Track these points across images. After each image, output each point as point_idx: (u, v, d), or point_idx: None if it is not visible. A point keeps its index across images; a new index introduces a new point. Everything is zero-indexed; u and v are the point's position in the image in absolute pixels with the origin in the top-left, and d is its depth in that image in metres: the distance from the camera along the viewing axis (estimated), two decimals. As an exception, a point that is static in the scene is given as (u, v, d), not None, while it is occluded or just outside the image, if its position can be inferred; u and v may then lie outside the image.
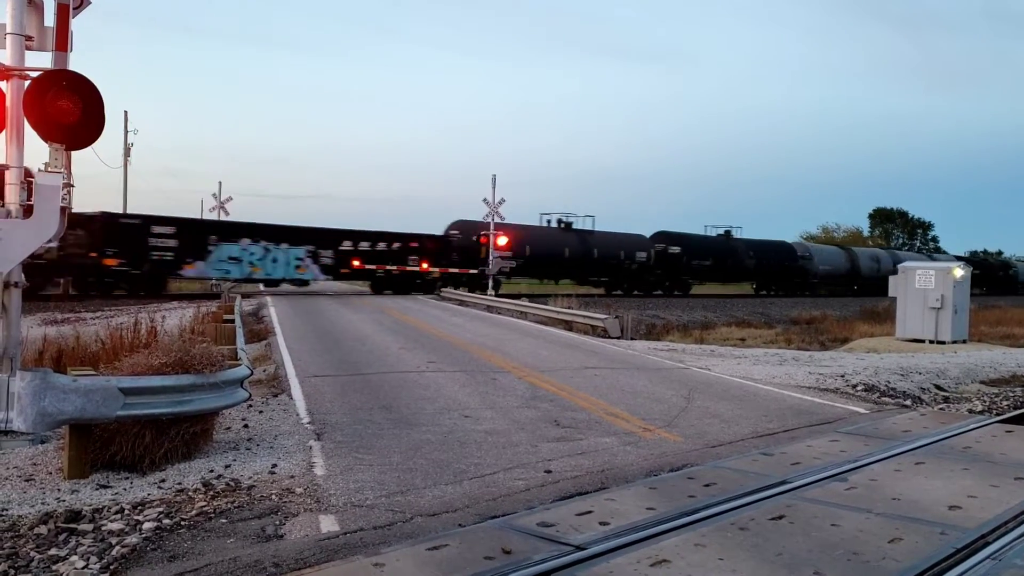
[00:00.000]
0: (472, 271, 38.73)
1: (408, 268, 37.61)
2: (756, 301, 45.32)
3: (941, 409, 11.22)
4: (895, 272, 56.03)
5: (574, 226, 44.72)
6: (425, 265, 37.96)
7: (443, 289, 36.14)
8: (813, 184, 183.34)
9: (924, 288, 21.73)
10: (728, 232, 52.91)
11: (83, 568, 4.72)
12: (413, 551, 4.86)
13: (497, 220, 37.47)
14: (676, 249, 47.59)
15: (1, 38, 6.66)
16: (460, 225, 40.39)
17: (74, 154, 6.89)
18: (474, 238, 38.91)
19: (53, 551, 5.00)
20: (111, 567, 4.77)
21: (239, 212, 52.63)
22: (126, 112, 48.66)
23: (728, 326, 30.28)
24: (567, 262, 42.63)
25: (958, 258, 67.16)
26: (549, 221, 44.76)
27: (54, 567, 4.75)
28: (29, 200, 6.65)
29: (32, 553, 4.96)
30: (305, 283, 36.08)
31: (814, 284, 55.63)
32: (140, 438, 6.75)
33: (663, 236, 48.06)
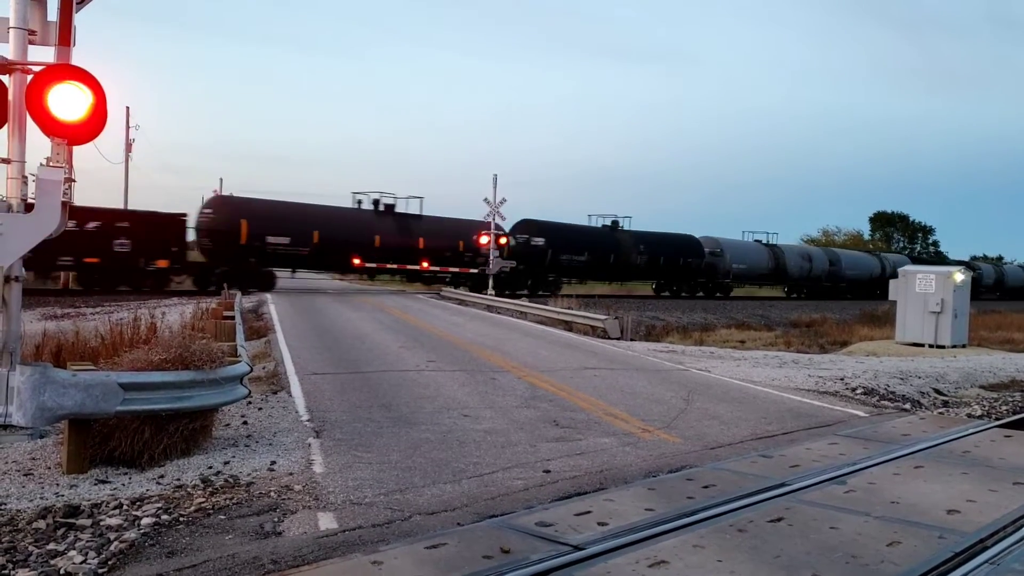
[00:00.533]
0: (238, 268, 30.46)
1: (118, 256, 29.01)
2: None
3: (940, 413, 11.21)
4: (830, 273, 52.64)
5: (397, 209, 37.01)
6: (136, 253, 29.23)
7: (443, 288, 35.98)
8: (814, 186, 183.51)
9: (924, 292, 21.73)
10: (615, 223, 45.16)
11: (81, 563, 4.72)
12: (411, 549, 4.86)
13: (281, 199, 32.14)
14: (540, 241, 39.84)
15: (4, 32, 6.65)
16: (219, 203, 32.17)
17: (76, 149, 6.88)
18: (241, 221, 31.08)
19: (51, 546, 4.99)
20: (109, 562, 4.77)
21: (238, 209, 52.28)
22: (128, 108, 48.58)
23: (728, 328, 30.27)
24: (378, 252, 35.01)
25: (914, 260, 62.67)
26: (360, 202, 36.69)
27: (52, 562, 4.75)
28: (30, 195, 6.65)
29: (30, 547, 4.95)
30: None
31: (727, 284, 49.08)
32: (139, 434, 6.75)
33: (525, 225, 40.46)
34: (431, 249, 36.71)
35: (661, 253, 45.45)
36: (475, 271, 37.82)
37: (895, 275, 61.20)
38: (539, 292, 38.42)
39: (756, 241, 53.37)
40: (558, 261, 40.58)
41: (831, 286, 55.91)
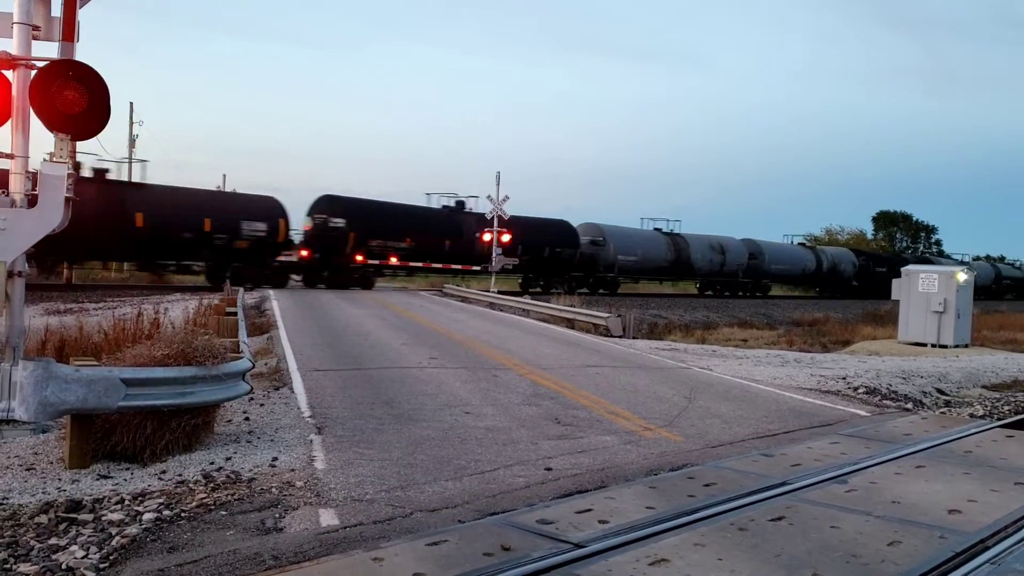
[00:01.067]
0: None
1: None
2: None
3: (942, 413, 11.20)
4: (751, 267, 44.06)
5: (110, 175, 28.35)
6: None
7: (445, 285, 35.90)
8: (818, 186, 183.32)
9: (927, 292, 21.70)
10: (460, 203, 37.73)
11: (83, 558, 4.73)
12: (412, 546, 4.87)
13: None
14: (339, 222, 31.91)
15: (8, 27, 6.66)
16: None
17: (79, 145, 6.90)
18: None
19: (53, 540, 5.01)
20: (111, 557, 4.78)
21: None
22: (131, 103, 48.58)
23: (730, 327, 30.25)
24: (65, 232, 20.75)
25: (858, 255, 57.66)
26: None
27: (54, 556, 4.76)
28: (34, 190, 6.66)
29: (32, 542, 4.97)
30: None
31: (612, 279, 41.83)
32: (141, 429, 6.76)
33: (325, 203, 32.67)
34: (157, 229, 27.73)
35: (520, 241, 37.01)
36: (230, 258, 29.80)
37: (834, 271, 54.33)
38: (345, 286, 31.83)
39: (656, 230, 45.85)
40: (367, 247, 32.67)
41: (751, 282, 48.79)
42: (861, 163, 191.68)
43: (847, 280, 55.32)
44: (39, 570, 4.55)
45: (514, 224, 36.95)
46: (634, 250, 42.44)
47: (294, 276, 32.91)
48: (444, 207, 37.75)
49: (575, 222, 41.67)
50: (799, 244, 55.38)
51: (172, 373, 6.86)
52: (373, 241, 32.91)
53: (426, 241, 34.71)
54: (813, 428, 9.48)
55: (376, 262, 33.84)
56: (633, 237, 43.63)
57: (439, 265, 36.40)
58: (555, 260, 39.03)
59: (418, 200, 38.24)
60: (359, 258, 32.88)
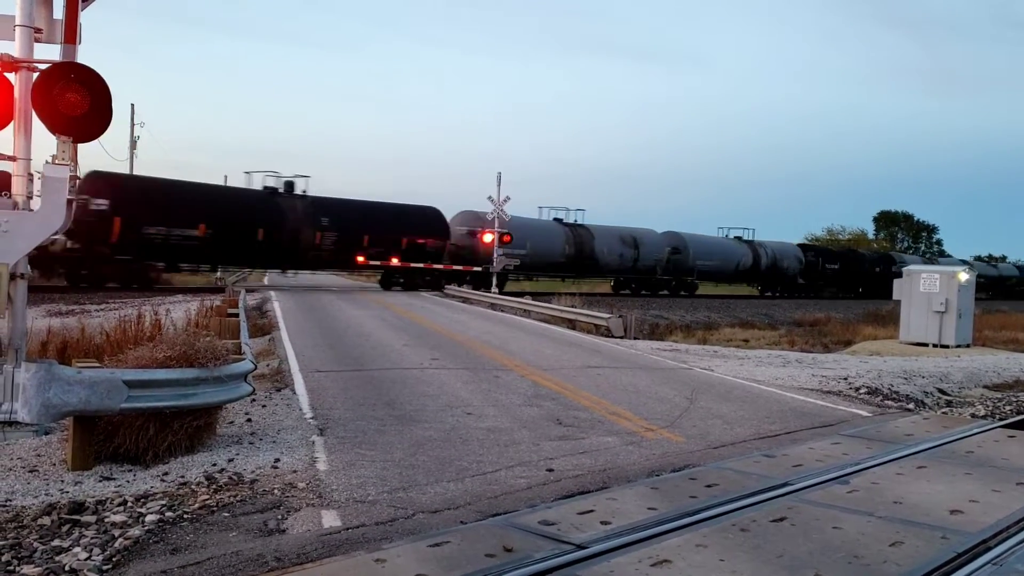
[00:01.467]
0: None
1: None
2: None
3: (944, 413, 11.20)
4: (673, 263, 41.44)
5: None
6: None
7: (446, 286, 35.87)
8: (819, 186, 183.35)
9: (928, 292, 21.70)
10: (289, 184, 31.19)
11: (86, 559, 4.74)
12: (414, 547, 4.87)
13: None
14: (102, 204, 25.67)
15: (10, 30, 6.67)
16: None
17: (81, 146, 6.90)
18: None
19: (56, 542, 5.02)
20: (114, 559, 4.79)
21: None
22: (132, 105, 48.68)
23: (732, 327, 30.25)
24: None
25: (804, 247, 55.19)
26: None
27: (57, 558, 4.77)
28: (36, 192, 6.67)
29: (35, 544, 4.98)
30: None
31: (486, 276, 34.98)
32: (144, 431, 6.77)
33: (89, 181, 25.62)
34: None
35: (367, 231, 31.18)
36: None
37: (775, 267, 52.09)
38: (105, 284, 26.29)
39: (555, 220, 40.22)
40: (142, 237, 26.63)
41: (673, 279, 43.90)
42: (861, 163, 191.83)
43: (792, 277, 51.43)
44: (42, 572, 4.56)
45: (359, 211, 32.16)
46: (522, 242, 36.02)
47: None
48: (265, 188, 31.20)
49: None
50: (735, 238, 50.09)
51: (174, 375, 6.87)
52: (151, 228, 26.84)
53: (229, 229, 28.59)
54: (815, 428, 9.48)
55: (159, 254, 27.84)
56: (522, 228, 36.80)
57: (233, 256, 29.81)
58: (418, 253, 33.23)
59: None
60: (126, 249, 26.65)
